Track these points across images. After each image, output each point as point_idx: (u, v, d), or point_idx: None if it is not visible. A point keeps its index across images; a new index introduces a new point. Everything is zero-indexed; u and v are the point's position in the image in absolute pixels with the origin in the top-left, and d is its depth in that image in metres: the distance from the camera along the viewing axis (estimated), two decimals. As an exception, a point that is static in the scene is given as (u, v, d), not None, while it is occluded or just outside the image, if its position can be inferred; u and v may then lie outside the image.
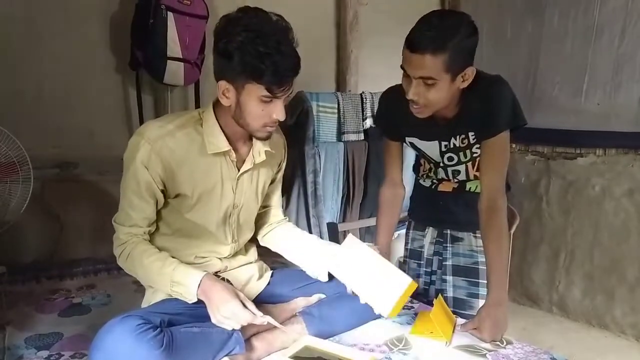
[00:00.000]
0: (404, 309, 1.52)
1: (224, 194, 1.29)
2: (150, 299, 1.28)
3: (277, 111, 1.17)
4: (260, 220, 1.52)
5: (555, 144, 2.78)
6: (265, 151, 1.32)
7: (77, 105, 2.05)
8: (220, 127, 1.24)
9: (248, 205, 1.37)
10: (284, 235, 1.51)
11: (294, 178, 2.42)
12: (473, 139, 1.42)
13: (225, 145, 1.24)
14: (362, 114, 2.59)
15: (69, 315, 1.51)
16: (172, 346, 1.05)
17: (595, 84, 2.55)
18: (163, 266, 1.18)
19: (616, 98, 2.48)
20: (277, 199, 1.53)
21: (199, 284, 1.14)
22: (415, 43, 1.19)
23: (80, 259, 1.96)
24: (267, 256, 1.54)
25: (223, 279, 1.35)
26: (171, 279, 1.16)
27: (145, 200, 1.22)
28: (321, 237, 2.44)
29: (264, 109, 1.16)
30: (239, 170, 1.29)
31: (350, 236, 1.34)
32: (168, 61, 1.99)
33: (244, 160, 1.30)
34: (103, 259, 1.93)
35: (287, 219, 1.57)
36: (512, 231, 1.79)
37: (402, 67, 1.27)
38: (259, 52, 1.07)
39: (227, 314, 1.11)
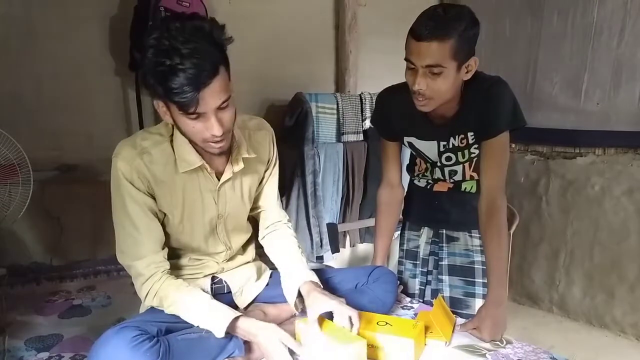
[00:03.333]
0: (404, 309, 1.53)
1: (205, 207, 1.25)
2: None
3: (209, 126, 1.06)
4: (257, 221, 1.48)
5: (554, 144, 2.78)
6: (244, 158, 1.25)
7: (77, 108, 2.05)
8: (190, 142, 1.16)
9: (235, 212, 1.32)
10: (273, 250, 1.43)
11: (294, 178, 2.43)
12: (472, 139, 1.43)
13: (197, 161, 1.17)
14: (362, 114, 2.59)
15: (69, 316, 1.51)
16: (169, 355, 1.04)
17: (595, 84, 2.55)
18: (195, 303, 1.15)
19: (615, 98, 2.48)
20: (270, 200, 1.43)
21: (235, 324, 1.13)
22: (421, 32, 1.20)
23: (80, 260, 1.96)
24: (266, 256, 1.54)
25: (220, 280, 1.35)
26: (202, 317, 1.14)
27: (148, 216, 1.17)
28: (321, 238, 2.45)
29: (195, 126, 1.07)
30: (219, 180, 1.24)
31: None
32: (167, 63, 1.99)
33: (224, 170, 1.24)
34: (103, 260, 1.93)
35: (284, 221, 1.47)
36: (511, 231, 1.79)
37: (406, 59, 1.27)
38: (162, 71, 0.98)
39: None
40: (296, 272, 1.31)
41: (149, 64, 1.00)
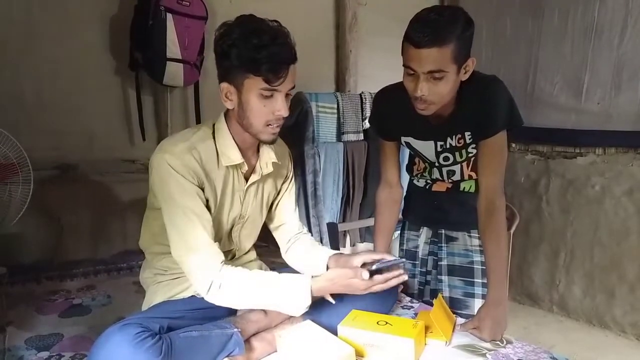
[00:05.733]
0: (404, 308, 1.53)
1: (232, 205, 1.30)
2: (150, 300, 1.29)
3: (279, 106, 1.16)
4: (279, 238, 1.50)
5: (555, 143, 2.78)
6: (273, 163, 1.32)
7: (77, 107, 2.05)
8: (233, 137, 1.24)
9: (254, 217, 1.38)
10: (299, 257, 1.46)
11: (294, 178, 2.42)
12: (469, 139, 1.42)
13: (239, 158, 1.24)
14: (362, 114, 2.59)
15: (69, 316, 1.51)
16: (171, 353, 1.04)
17: (596, 84, 2.55)
18: (265, 284, 1.17)
19: (616, 97, 2.48)
20: (290, 213, 1.48)
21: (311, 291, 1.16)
22: (420, 39, 1.19)
23: (80, 260, 1.96)
24: (267, 256, 1.54)
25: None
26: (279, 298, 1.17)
27: (202, 208, 1.18)
28: (321, 237, 2.45)
29: (265, 105, 1.15)
30: (246, 182, 1.30)
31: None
32: (167, 62, 1.99)
33: (252, 172, 1.31)
34: (103, 259, 1.93)
35: (304, 231, 1.51)
36: (512, 231, 1.79)
37: (405, 65, 1.26)
38: (253, 44, 1.09)
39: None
40: (324, 250, 1.42)
41: (237, 41, 1.10)
